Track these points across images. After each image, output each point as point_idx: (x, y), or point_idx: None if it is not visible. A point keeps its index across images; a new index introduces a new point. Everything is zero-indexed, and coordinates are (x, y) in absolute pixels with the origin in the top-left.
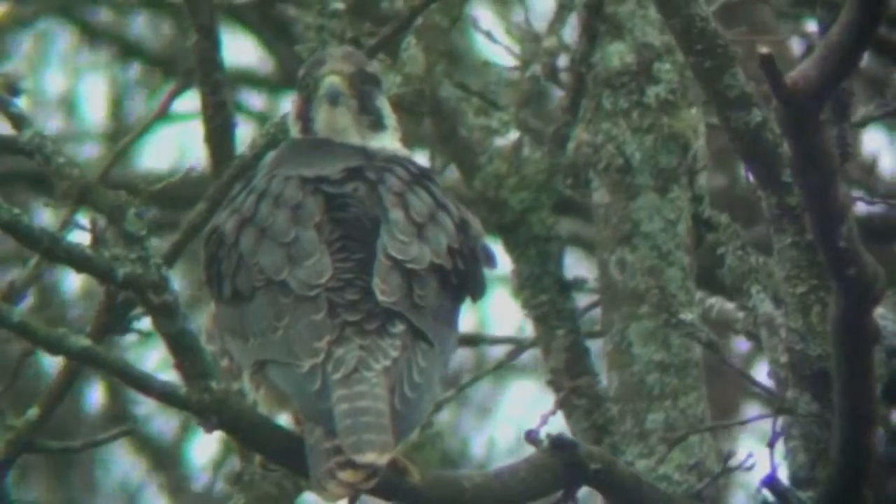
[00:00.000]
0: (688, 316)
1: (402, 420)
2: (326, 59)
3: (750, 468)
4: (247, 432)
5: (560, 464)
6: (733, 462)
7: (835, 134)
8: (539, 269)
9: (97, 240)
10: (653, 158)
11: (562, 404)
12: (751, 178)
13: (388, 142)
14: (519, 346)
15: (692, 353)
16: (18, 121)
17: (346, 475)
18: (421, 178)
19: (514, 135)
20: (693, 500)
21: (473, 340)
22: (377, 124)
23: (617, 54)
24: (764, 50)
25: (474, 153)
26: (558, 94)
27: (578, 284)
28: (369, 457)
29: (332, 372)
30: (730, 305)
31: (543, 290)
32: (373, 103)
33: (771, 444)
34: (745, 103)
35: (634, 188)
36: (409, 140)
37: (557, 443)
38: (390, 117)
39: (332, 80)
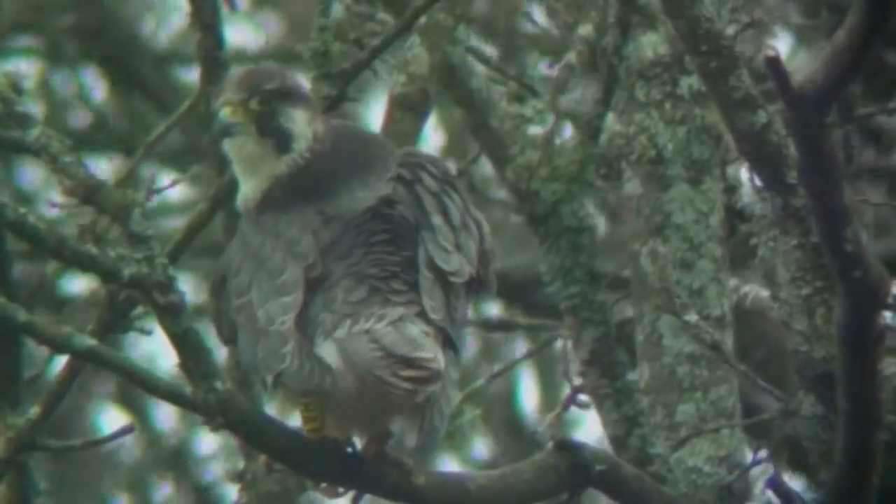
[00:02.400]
0: (692, 317)
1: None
2: (223, 87)
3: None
4: (252, 432)
5: (565, 465)
6: (762, 455)
7: (840, 136)
8: (570, 261)
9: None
10: (685, 150)
11: (566, 406)
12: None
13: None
14: (556, 332)
15: (723, 345)
16: (24, 120)
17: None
18: (447, 179)
19: (548, 124)
20: (722, 492)
21: (509, 326)
22: (282, 146)
23: (650, 45)
24: (771, 52)
25: (505, 144)
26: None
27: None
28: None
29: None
30: (765, 293)
31: (574, 282)
32: (275, 123)
33: (776, 446)
34: (751, 104)
35: (667, 179)
36: (412, 138)
37: (562, 444)
38: (303, 129)
39: (220, 115)
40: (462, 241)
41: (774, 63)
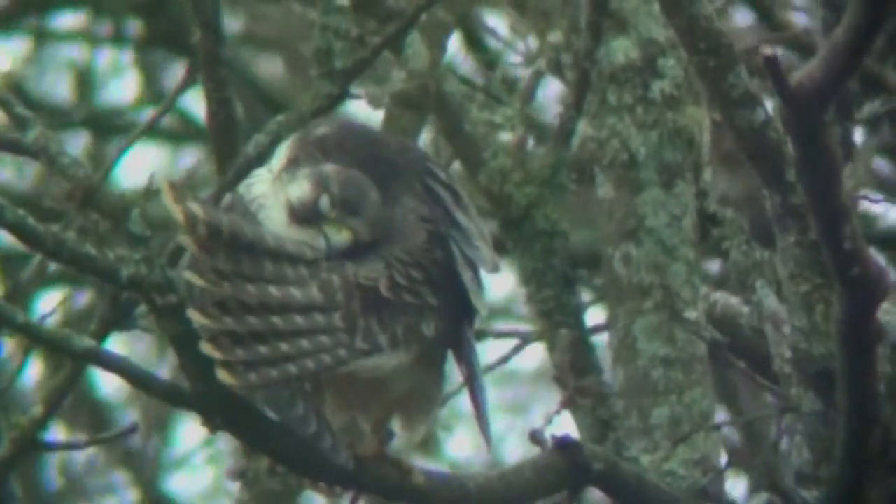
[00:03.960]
0: (692, 314)
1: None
2: None
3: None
4: (251, 433)
5: (564, 464)
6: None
7: (838, 133)
8: (543, 265)
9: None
10: (658, 153)
11: (566, 404)
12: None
13: None
14: (524, 340)
15: (697, 348)
16: (22, 121)
17: None
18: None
19: (518, 130)
20: (698, 496)
21: (476, 334)
22: None
23: (622, 49)
24: (768, 51)
25: (479, 148)
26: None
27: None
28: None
29: None
30: (734, 300)
31: (548, 286)
32: None
33: (775, 443)
34: (749, 102)
35: (639, 183)
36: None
37: (562, 443)
38: None
39: None
40: (482, 229)
41: (772, 61)
